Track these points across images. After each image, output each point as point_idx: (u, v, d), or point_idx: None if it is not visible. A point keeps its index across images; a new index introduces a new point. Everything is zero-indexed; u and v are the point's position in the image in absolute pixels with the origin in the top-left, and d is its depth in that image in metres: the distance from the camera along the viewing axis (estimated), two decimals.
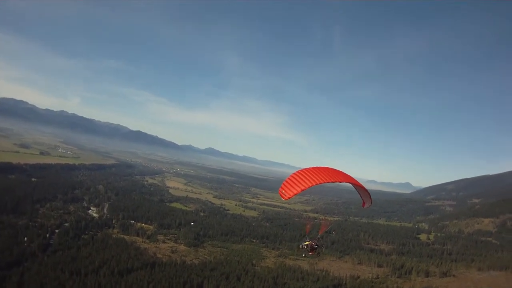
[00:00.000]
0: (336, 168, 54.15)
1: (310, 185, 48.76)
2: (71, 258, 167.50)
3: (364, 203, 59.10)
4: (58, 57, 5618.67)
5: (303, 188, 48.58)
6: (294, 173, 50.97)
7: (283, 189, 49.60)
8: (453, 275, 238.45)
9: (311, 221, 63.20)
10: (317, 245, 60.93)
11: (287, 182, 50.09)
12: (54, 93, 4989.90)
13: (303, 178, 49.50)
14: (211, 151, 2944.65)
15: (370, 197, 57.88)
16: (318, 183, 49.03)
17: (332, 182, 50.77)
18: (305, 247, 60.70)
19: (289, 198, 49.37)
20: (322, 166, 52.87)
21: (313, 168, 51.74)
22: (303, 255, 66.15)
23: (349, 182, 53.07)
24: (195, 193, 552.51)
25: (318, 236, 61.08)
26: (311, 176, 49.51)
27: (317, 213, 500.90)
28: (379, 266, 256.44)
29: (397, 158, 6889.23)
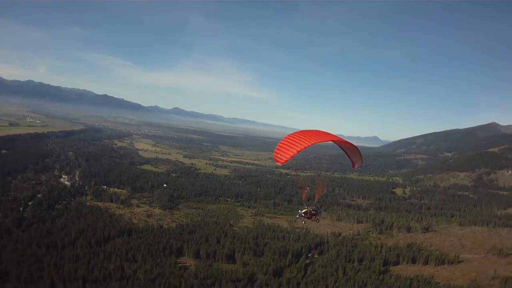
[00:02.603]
0: (315, 129, 53.00)
1: (304, 146, 47.06)
2: (46, 231, 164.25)
3: (353, 164, 56.96)
4: (22, 27, 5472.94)
5: (298, 149, 46.99)
6: (285, 138, 49.39)
7: (278, 153, 47.80)
8: (435, 230, 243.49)
9: (307, 183, 60.11)
10: (315, 211, 58.73)
11: (280, 146, 48.38)
12: (20, 64, 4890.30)
13: (295, 141, 48.03)
14: (177, 111, 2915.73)
15: (361, 156, 55.79)
16: (310, 144, 47.52)
17: (323, 141, 49.28)
18: (303, 215, 58.36)
19: (285, 162, 47.44)
20: (299, 127, 52.78)
21: (303, 131, 50.56)
22: (303, 223, 64.38)
23: (338, 141, 51.47)
24: (165, 153, 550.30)
25: (315, 201, 58.72)
26: (303, 138, 48.15)
27: (288, 169, 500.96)
28: (359, 222, 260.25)
29: (364, 112, 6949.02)
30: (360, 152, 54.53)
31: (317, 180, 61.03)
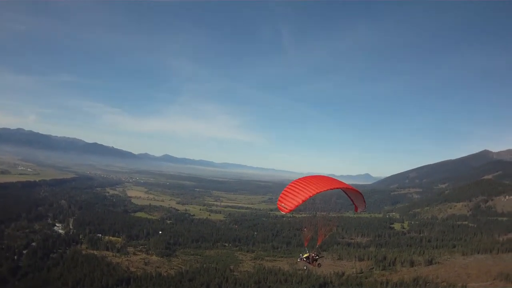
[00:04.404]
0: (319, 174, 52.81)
1: (309, 195, 45.96)
2: (42, 281, 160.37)
3: (356, 208, 55.35)
4: (11, 74, 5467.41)
5: (303, 199, 45.70)
6: (289, 185, 48.27)
7: (282, 202, 46.69)
8: (439, 262, 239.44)
9: (310, 228, 57.01)
10: (318, 256, 56.03)
11: (284, 194, 47.18)
12: (10, 111, 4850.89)
13: (300, 189, 46.75)
14: (167, 158, 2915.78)
15: (364, 201, 54.39)
16: (316, 192, 46.29)
17: (329, 189, 47.71)
18: (304, 259, 55.57)
19: (290, 211, 46.44)
20: (308, 175, 51.84)
21: (307, 178, 49.25)
22: (304, 268, 61.32)
23: (343, 188, 50.25)
24: (158, 200, 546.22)
25: (317, 246, 55.91)
26: (308, 187, 46.84)
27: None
28: (360, 260, 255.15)
29: (354, 149, 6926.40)
30: (363, 197, 53.97)
31: (319, 223, 57.88)
